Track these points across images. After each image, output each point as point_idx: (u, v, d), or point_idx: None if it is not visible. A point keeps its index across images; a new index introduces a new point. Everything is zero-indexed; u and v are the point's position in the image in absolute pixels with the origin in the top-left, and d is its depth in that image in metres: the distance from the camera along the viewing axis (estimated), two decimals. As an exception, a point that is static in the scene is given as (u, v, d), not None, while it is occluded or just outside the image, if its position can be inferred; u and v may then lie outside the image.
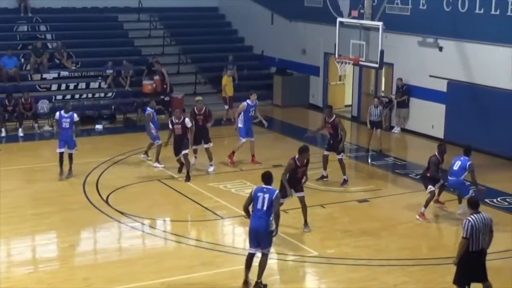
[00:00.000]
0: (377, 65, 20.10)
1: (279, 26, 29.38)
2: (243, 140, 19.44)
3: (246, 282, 11.86)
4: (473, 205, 11.00)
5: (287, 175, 14.23)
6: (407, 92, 23.54)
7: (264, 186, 11.80)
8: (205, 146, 19.02)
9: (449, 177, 15.73)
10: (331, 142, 18.22)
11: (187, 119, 18.16)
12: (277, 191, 11.86)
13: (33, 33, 28.35)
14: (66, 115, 17.90)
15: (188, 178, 17.96)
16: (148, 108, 19.70)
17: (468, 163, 15.48)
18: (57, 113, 18.19)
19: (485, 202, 16.71)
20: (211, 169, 18.98)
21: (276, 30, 29.58)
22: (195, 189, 17.28)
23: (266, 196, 11.60)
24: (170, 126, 18.15)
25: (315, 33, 27.17)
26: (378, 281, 12.47)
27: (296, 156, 14.30)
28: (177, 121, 18.06)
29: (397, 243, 14.32)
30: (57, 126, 18.60)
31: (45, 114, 24.17)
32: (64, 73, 26.57)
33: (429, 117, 22.87)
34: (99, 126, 24.15)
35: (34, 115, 23.62)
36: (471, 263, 10.84)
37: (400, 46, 23.31)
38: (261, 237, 11.69)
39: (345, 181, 17.93)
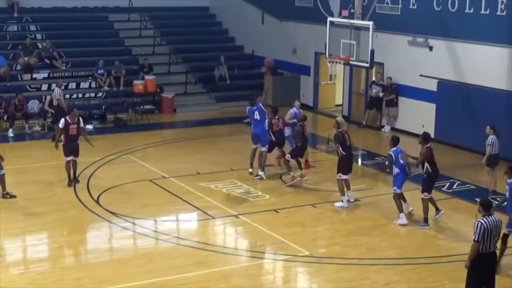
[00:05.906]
0: (367, 65, 20.14)
1: (270, 26, 29.38)
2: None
3: None
4: (485, 207, 10.59)
5: None
6: (395, 91, 23.60)
7: None
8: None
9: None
10: None
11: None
12: None
13: (23, 32, 28.20)
14: None
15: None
16: None
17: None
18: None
19: (473, 200, 16.84)
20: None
21: (267, 30, 29.58)
22: (186, 189, 17.26)
23: None
24: (62, 126, 17.33)
25: (306, 32, 27.19)
26: (369, 280, 12.50)
27: None
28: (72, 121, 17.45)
29: (388, 242, 14.36)
30: None
31: (35, 114, 24.07)
32: (54, 73, 26.50)
33: (420, 117, 22.90)
34: (89, 126, 24.01)
35: (24, 115, 23.53)
36: (481, 268, 10.56)
37: (390, 45, 23.35)
38: None
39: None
